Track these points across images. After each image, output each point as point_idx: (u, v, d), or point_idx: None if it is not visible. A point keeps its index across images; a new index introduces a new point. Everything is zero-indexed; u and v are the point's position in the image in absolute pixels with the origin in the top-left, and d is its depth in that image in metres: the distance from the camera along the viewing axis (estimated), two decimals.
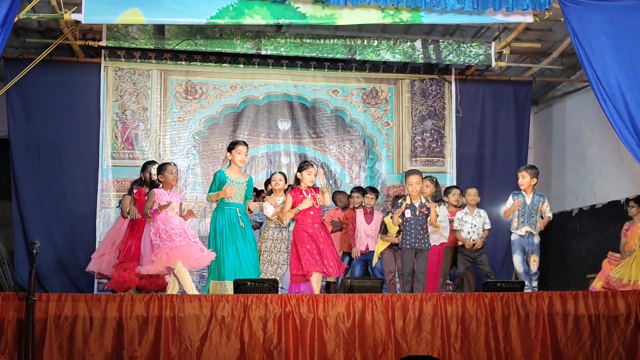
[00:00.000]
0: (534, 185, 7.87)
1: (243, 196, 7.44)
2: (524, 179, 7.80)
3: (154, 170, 7.25)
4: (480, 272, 8.39)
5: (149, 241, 6.72)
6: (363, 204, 8.82)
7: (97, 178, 9.62)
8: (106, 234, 8.65)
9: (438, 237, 8.09)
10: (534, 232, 7.71)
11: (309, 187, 7.33)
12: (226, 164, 7.66)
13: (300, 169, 7.42)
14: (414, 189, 7.44)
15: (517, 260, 7.69)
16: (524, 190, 7.81)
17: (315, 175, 7.33)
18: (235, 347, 5.89)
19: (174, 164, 7.19)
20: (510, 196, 7.90)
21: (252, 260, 7.23)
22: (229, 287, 6.92)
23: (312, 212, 7.26)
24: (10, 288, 9.02)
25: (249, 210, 7.57)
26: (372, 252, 8.51)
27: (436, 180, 8.39)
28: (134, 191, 7.89)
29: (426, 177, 8.25)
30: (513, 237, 7.76)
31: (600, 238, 9.91)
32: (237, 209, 7.33)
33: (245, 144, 7.53)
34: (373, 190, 9.00)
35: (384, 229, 8.10)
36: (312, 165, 7.42)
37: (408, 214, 7.43)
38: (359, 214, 8.77)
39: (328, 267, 7.11)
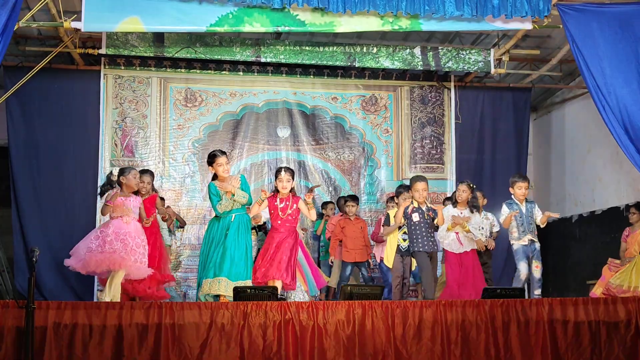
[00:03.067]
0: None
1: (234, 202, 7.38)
2: (522, 189, 7.76)
3: (115, 171, 7.29)
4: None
5: (89, 238, 6.82)
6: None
7: (96, 185, 9.58)
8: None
9: (469, 243, 8.04)
10: (535, 239, 7.70)
11: (287, 194, 7.25)
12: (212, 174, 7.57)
13: (275, 176, 7.39)
14: (420, 195, 7.47)
15: (524, 267, 7.61)
16: (518, 200, 7.77)
17: (288, 181, 7.25)
18: (235, 355, 5.88)
19: (136, 169, 7.31)
20: (504, 205, 7.81)
21: (240, 259, 7.08)
22: (214, 285, 6.92)
23: (279, 221, 7.21)
24: (9, 296, 9.07)
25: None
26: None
27: (473, 185, 8.28)
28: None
29: (462, 182, 8.18)
30: (516, 246, 7.71)
31: (600, 244, 9.90)
32: (233, 216, 7.26)
33: (222, 152, 7.39)
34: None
35: (386, 220, 8.08)
36: (283, 170, 7.33)
37: (416, 217, 7.46)
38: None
39: (262, 275, 7.07)
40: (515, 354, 6.27)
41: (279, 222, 7.23)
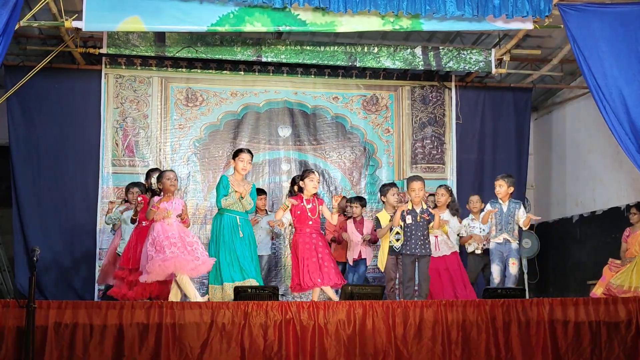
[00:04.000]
0: (511, 193, 7.83)
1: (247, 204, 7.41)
2: (501, 187, 7.78)
3: (154, 179, 7.25)
4: (483, 277, 8.42)
5: (146, 251, 6.73)
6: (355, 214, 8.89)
7: (97, 185, 9.62)
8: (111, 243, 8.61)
9: (450, 247, 8.11)
10: (511, 240, 7.68)
11: (312, 195, 7.31)
12: (230, 170, 7.63)
13: (302, 177, 7.40)
14: (416, 194, 7.44)
15: (495, 270, 7.66)
16: (500, 198, 7.78)
17: (318, 182, 7.34)
18: (235, 355, 5.88)
19: (172, 170, 7.23)
20: (488, 204, 7.89)
21: (252, 265, 7.19)
22: (227, 290, 6.91)
23: (310, 222, 7.23)
24: (10, 295, 9.08)
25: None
26: (364, 259, 8.59)
27: (451, 189, 8.36)
28: (139, 199, 7.90)
29: (441, 185, 8.31)
30: (491, 245, 7.74)
31: (601, 244, 9.90)
32: (237, 217, 7.31)
33: (249, 152, 7.50)
34: (359, 199, 9.02)
35: (376, 224, 8.07)
36: (314, 172, 7.42)
37: (409, 219, 7.42)
38: (350, 224, 8.79)
39: (326, 280, 7.09)
40: (515, 354, 6.28)
41: (310, 222, 7.22)
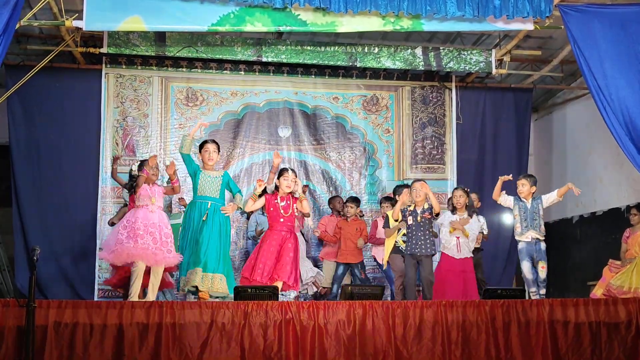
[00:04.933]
0: (533, 193, 7.82)
1: (219, 190, 7.34)
2: (524, 187, 7.74)
3: (134, 167, 7.30)
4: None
5: (117, 231, 6.84)
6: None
7: (97, 184, 9.61)
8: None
9: (467, 251, 8.10)
10: (540, 238, 7.62)
11: (286, 193, 7.30)
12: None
13: (278, 176, 7.41)
14: (417, 193, 7.47)
15: (525, 267, 7.56)
16: (523, 197, 7.75)
17: (293, 181, 7.29)
18: (235, 354, 5.88)
19: (153, 156, 7.31)
20: (512, 200, 7.79)
21: (215, 249, 7.09)
22: (194, 276, 6.92)
23: (282, 219, 7.21)
24: (10, 295, 9.07)
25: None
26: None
27: (467, 190, 8.34)
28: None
29: (457, 187, 8.30)
30: (520, 245, 7.63)
31: (601, 245, 9.90)
32: (209, 202, 7.24)
33: (213, 141, 7.54)
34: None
35: (386, 222, 8.09)
36: (287, 170, 7.39)
37: (410, 220, 7.48)
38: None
39: (266, 275, 7.03)
40: (515, 354, 6.28)
41: (282, 220, 7.22)
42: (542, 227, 7.67)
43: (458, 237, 8.00)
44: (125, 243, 6.69)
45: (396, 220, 7.65)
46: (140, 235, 6.71)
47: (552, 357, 6.33)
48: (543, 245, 7.61)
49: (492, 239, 8.58)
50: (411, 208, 7.51)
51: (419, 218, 7.45)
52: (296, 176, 7.41)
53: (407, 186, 8.14)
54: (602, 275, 8.32)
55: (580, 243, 10.49)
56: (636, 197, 9.28)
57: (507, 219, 9.90)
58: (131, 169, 7.41)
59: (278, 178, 7.37)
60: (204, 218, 7.13)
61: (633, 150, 7.39)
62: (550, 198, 7.72)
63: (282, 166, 7.70)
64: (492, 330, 6.30)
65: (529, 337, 6.34)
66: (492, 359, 6.24)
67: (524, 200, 7.72)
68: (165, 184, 7.89)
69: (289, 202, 7.27)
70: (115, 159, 8.59)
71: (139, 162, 7.33)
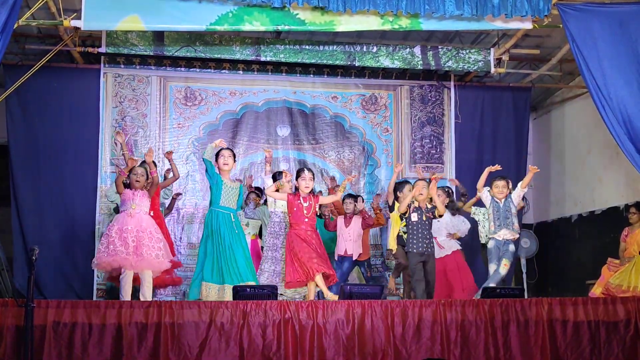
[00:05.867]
0: (507, 193, 7.76)
1: (236, 202, 7.49)
2: (504, 188, 7.67)
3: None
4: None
5: (106, 234, 6.93)
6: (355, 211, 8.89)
7: (96, 184, 9.61)
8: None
9: (453, 245, 8.11)
10: (513, 237, 7.52)
11: (307, 193, 7.32)
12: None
13: (296, 176, 7.43)
14: (419, 193, 7.48)
15: (492, 269, 7.50)
16: (500, 199, 7.64)
17: (312, 180, 7.32)
18: (234, 354, 5.89)
19: (139, 166, 7.38)
20: (485, 192, 7.76)
21: (249, 266, 7.26)
22: (228, 292, 6.92)
23: (306, 219, 7.23)
24: (9, 294, 9.06)
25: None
26: (350, 256, 8.59)
27: (448, 190, 8.36)
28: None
29: (439, 187, 8.31)
30: (490, 243, 7.57)
31: (600, 244, 9.90)
32: (231, 214, 7.37)
33: (228, 148, 7.65)
34: (350, 196, 9.04)
35: (391, 208, 8.14)
36: (304, 170, 7.40)
37: (414, 217, 7.47)
38: (340, 219, 8.81)
39: (321, 266, 7.04)
40: (514, 353, 6.28)
41: (306, 220, 7.22)
42: (516, 224, 7.60)
43: (435, 237, 7.96)
44: (102, 252, 6.83)
45: (403, 214, 7.64)
46: (112, 241, 6.81)
47: (551, 356, 6.33)
48: (512, 247, 7.53)
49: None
50: (415, 204, 7.52)
51: (424, 217, 7.47)
52: (313, 175, 7.43)
53: (408, 182, 8.16)
54: (601, 274, 8.31)
55: (579, 242, 10.49)
56: (635, 196, 9.28)
57: None
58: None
59: (296, 179, 7.38)
60: (236, 231, 7.27)
61: (632, 149, 7.39)
62: (516, 192, 7.67)
63: (281, 168, 7.72)
64: (491, 329, 6.30)
65: (527, 336, 6.34)
66: (491, 358, 6.25)
67: (497, 200, 7.67)
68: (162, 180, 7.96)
69: (310, 202, 7.28)
70: (121, 172, 8.22)
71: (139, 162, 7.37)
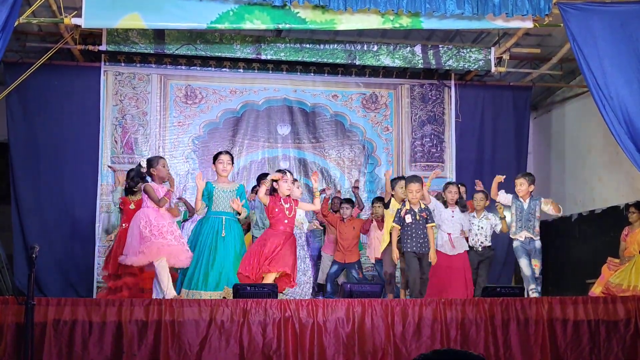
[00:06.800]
0: (531, 191, 7.79)
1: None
2: (522, 186, 7.68)
3: (143, 163, 7.11)
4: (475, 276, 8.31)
5: (137, 233, 6.64)
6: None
7: (96, 182, 9.62)
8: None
9: (461, 245, 8.11)
10: (534, 237, 7.62)
11: (287, 196, 7.16)
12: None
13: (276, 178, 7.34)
14: (413, 196, 7.45)
15: (523, 264, 7.50)
16: (521, 197, 7.72)
17: (293, 183, 7.20)
18: (234, 352, 5.88)
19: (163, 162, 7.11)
20: (510, 197, 7.77)
21: (232, 270, 7.07)
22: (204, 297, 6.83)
23: (285, 221, 7.07)
24: (9, 292, 9.06)
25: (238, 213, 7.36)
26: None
27: (459, 185, 8.35)
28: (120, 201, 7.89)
29: (452, 183, 8.34)
30: (515, 244, 7.63)
31: (600, 243, 9.90)
32: (224, 217, 7.22)
33: (227, 153, 7.47)
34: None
35: (387, 204, 8.17)
36: (286, 173, 7.24)
37: (408, 219, 7.45)
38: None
39: (274, 266, 6.91)
40: (514, 352, 6.27)
41: (286, 221, 7.11)
42: (537, 228, 7.62)
43: (450, 234, 7.99)
44: (154, 239, 6.56)
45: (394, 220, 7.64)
46: (165, 232, 6.61)
47: (551, 355, 6.33)
48: (538, 243, 7.57)
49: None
50: (407, 207, 7.49)
51: (417, 217, 7.45)
52: (294, 178, 7.35)
53: (403, 178, 8.15)
54: (601, 273, 8.32)
55: (579, 241, 10.50)
56: (635, 195, 9.27)
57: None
58: (140, 165, 7.06)
59: (277, 181, 7.18)
60: (222, 234, 7.13)
61: (632, 148, 7.39)
62: (546, 207, 7.68)
63: (281, 167, 7.67)
64: (491, 328, 6.30)
65: (527, 335, 6.34)
66: (491, 357, 6.24)
67: (522, 200, 7.68)
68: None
69: (291, 204, 7.20)
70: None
71: (146, 161, 7.14)
